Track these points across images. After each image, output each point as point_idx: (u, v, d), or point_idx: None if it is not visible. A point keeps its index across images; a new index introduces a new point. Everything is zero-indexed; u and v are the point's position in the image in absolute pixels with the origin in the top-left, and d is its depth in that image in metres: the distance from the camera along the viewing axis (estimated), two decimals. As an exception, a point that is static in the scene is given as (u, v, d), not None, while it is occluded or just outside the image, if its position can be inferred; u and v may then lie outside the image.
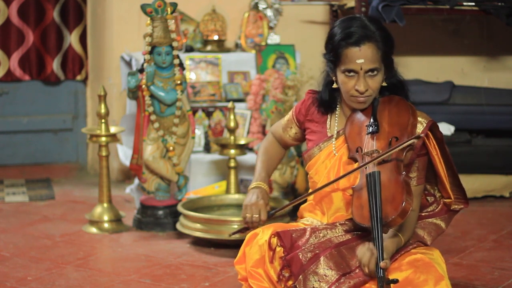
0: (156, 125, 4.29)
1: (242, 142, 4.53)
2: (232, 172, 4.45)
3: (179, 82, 4.25)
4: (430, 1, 4.83)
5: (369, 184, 2.68)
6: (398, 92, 2.93)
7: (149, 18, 4.18)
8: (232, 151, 4.45)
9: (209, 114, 4.96)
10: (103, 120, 4.33)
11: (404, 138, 2.77)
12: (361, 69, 2.80)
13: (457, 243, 4.05)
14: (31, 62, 5.72)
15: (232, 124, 4.48)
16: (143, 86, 4.23)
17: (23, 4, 5.63)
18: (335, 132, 2.95)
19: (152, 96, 4.25)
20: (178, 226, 4.12)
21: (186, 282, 3.51)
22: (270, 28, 5.34)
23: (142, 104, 4.30)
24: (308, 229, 2.82)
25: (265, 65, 5.12)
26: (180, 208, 4.11)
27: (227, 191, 4.45)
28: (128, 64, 5.08)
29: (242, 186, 4.75)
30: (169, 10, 4.19)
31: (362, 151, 2.82)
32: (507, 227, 4.33)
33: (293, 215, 3.55)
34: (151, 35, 4.18)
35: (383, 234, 2.63)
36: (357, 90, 2.82)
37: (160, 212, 4.34)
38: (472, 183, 4.87)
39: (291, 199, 4.60)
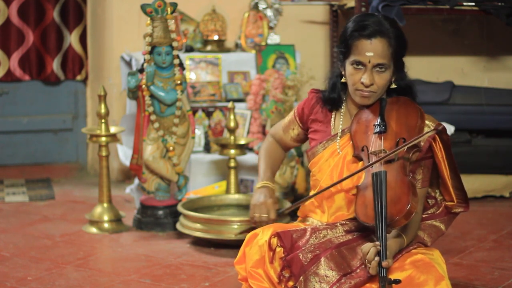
0: (156, 125, 4.29)
1: (242, 142, 4.53)
2: (232, 172, 4.45)
3: (179, 82, 4.25)
4: (430, 1, 4.83)
5: (375, 183, 2.67)
6: (406, 95, 2.93)
7: (149, 18, 4.18)
8: (232, 151, 4.45)
9: (209, 114, 4.96)
10: (103, 120, 4.33)
11: (411, 139, 2.77)
12: (369, 62, 2.80)
13: (457, 243, 4.05)
14: (31, 62, 5.72)
15: (232, 124, 4.48)
16: (143, 86, 4.23)
17: (23, 4, 5.63)
18: (340, 130, 2.95)
19: (152, 96, 4.25)
20: (178, 226, 4.12)
21: (186, 282, 3.51)
22: (270, 28, 5.34)
23: (142, 104, 4.30)
24: (309, 229, 2.82)
25: (265, 65, 5.12)
26: (180, 208, 4.11)
27: (227, 191, 4.45)
28: (128, 64, 5.08)
29: (242, 186, 4.75)
30: (169, 10, 4.19)
31: (368, 150, 2.81)
32: (507, 227, 4.33)
33: (293, 215, 3.55)
34: (151, 35, 4.18)
35: (387, 234, 2.63)
36: (362, 83, 2.82)
37: (160, 212, 4.34)
38: (472, 183, 4.87)
39: (291, 199, 4.60)
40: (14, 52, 5.68)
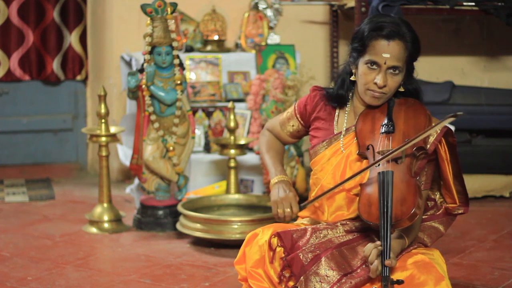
0: (156, 125, 4.29)
1: (242, 142, 4.53)
2: (232, 172, 4.45)
3: (179, 82, 4.25)
4: (430, 1, 4.83)
5: (381, 183, 2.66)
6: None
7: (149, 18, 4.18)
8: (232, 151, 4.45)
9: (209, 114, 4.96)
10: (103, 120, 4.33)
11: (419, 141, 2.76)
12: (385, 63, 2.79)
13: (457, 243, 4.05)
14: (31, 62, 5.72)
15: (232, 124, 4.47)
16: (143, 86, 4.23)
17: (23, 4, 5.63)
18: (344, 128, 2.94)
19: (152, 96, 4.25)
20: (178, 226, 4.12)
21: (186, 282, 3.51)
22: (270, 28, 5.34)
23: (142, 104, 4.30)
24: (309, 229, 2.81)
25: (265, 65, 5.12)
26: (180, 208, 4.11)
27: (227, 191, 4.45)
28: (128, 64, 5.08)
29: (242, 186, 4.75)
30: (169, 10, 4.19)
31: (374, 149, 2.80)
32: (507, 227, 4.33)
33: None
34: (151, 35, 4.18)
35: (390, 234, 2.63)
36: (375, 83, 2.81)
37: (160, 212, 4.33)
38: (472, 183, 4.87)
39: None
40: (14, 52, 5.68)
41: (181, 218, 4.12)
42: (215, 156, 4.78)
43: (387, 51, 2.79)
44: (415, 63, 2.96)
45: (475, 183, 4.91)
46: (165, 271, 3.65)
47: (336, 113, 2.98)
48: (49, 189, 5.23)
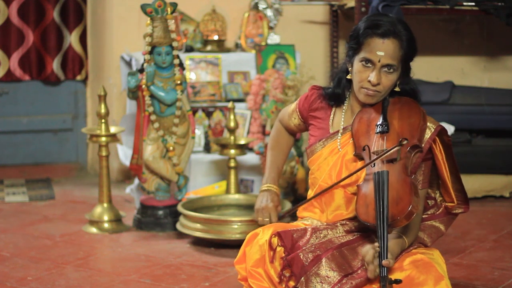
0: (156, 125, 4.29)
1: (242, 142, 4.53)
2: (232, 172, 4.45)
3: (179, 82, 4.24)
4: (430, 1, 4.83)
5: (377, 183, 2.67)
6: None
7: (149, 18, 4.18)
8: (232, 151, 4.45)
9: (209, 114, 4.96)
10: (103, 120, 4.33)
11: (413, 140, 2.77)
12: (379, 61, 2.80)
13: (457, 243, 4.05)
14: (31, 62, 5.71)
15: (232, 124, 4.47)
16: (143, 86, 4.23)
17: (23, 4, 5.63)
18: (341, 128, 2.94)
19: (152, 96, 4.25)
20: (178, 226, 4.12)
21: (186, 282, 3.51)
22: (270, 28, 5.34)
23: (142, 104, 4.30)
24: (309, 229, 2.82)
25: (265, 65, 5.12)
26: (180, 208, 4.11)
27: (227, 191, 4.44)
28: (128, 64, 5.08)
29: (242, 186, 4.75)
30: (169, 10, 4.19)
31: (369, 149, 2.80)
32: (507, 227, 4.33)
33: (293, 215, 3.55)
34: (151, 35, 4.18)
35: (388, 235, 2.63)
36: (369, 81, 2.81)
37: (160, 212, 4.33)
38: (472, 183, 4.87)
39: (291, 199, 4.60)
40: (14, 52, 5.68)
41: (181, 218, 4.11)
42: (215, 156, 4.78)
43: (382, 49, 2.80)
44: (415, 63, 2.96)
45: (475, 183, 4.91)
46: (165, 271, 3.65)
47: (332, 112, 2.99)
48: (49, 189, 5.23)
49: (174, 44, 4.21)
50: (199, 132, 4.89)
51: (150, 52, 4.21)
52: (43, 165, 5.84)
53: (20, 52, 5.68)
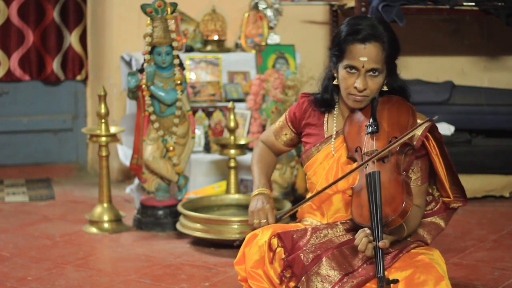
0: (156, 125, 4.29)
1: (242, 142, 4.53)
2: (232, 172, 4.45)
3: (179, 82, 4.25)
4: (430, 1, 4.83)
5: (369, 184, 2.68)
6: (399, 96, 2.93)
7: (149, 18, 4.18)
8: (232, 151, 4.45)
9: (209, 114, 4.96)
10: (103, 120, 4.33)
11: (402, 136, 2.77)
12: (363, 67, 2.80)
13: (457, 243, 4.05)
14: (31, 62, 5.71)
15: (232, 124, 4.47)
16: (143, 86, 4.23)
17: (23, 4, 5.63)
18: (334, 132, 2.95)
19: (152, 96, 4.25)
20: (178, 226, 4.12)
21: (186, 282, 3.51)
22: (270, 28, 5.34)
23: (142, 104, 4.30)
24: (309, 229, 2.82)
25: (265, 65, 5.12)
26: (180, 208, 4.11)
27: (227, 191, 4.44)
28: (128, 64, 5.08)
29: (242, 186, 4.75)
30: (169, 10, 4.19)
31: (361, 151, 2.82)
32: (507, 227, 4.33)
33: (293, 216, 3.55)
34: (151, 35, 4.18)
35: (383, 234, 2.63)
36: (355, 88, 2.82)
37: (160, 212, 4.33)
38: (472, 183, 4.87)
39: (291, 199, 4.60)
40: (14, 52, 5.68)
41: (181, 218, 4.12)
42: (215, 156, 4.78)
43: (364, 54, 2.80)
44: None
45: (475, 183, 4.90)
46: (165, 271, 3.65)
47: (325, 117, 3.00)
48: (49, 189, 5.23)
49: (174, 44, 4.21)
50: (199, 132, 4.89)
51: (150, 52, 4.21)
52: (43, 165, 5.84)
53: (20, 52, 5.68)
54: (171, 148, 4.31)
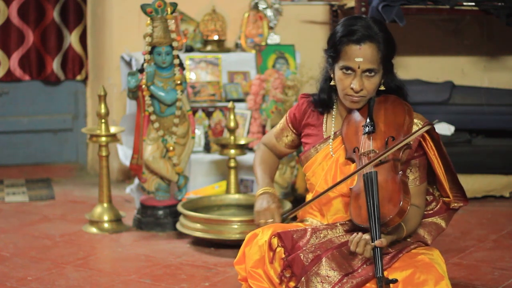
0: (156, 125, 4.29)
1: (242, 142, 4.53)
2: (232, 172, 4.45)
3: (179, 82, 4.25)
4: (430, 1, 4.83)
5: (366, 184, 2.68)
6: (396, 95, 2.93)
7: (149, 18, 4.18)
8: (232, 151, 4.45)
9: (209, 114, 4.96)
10: (103, 120, 4.33)
11: (400, 137, 2.77)
12: (358, 67, 2.80)
13: (457, 243, 4.05)
14: (31, 62, 5.72)
15: (232, 124, 4.47)
16: (143, 86, 4.23)
17: (23, 4, 5.63)
18: (332, 133, 2.95)
19: (152, 96, 4.25)
20: (178, 226, 4.12)
21: (186, 282, 3.51)
22: (270, 28, 5.34)
23: (142, 104, 4.30)
24: (309, 229, 2.82)
25: (265, 65, 5.12)
26: (180, 208, 4.11)
27: (227, 191, 4.44)
28: (128, 64, 5.08)
29: (242, 186, 4.75)
30: (169, 10, 4.19)
31: (359, 151, 2.82)
32: (507, 227, 4.33)
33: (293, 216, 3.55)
34: (151, 35, 4.18)
35: (381, 234, 2.63)
36: (352, 89, 2.82)
37: (160, 212, 4.33)
38: (472, 183, 4.87)
39: (291, 199, 4.60)
40: (14, 52, 5.68)
41: (181, 218, 4.12)
42: (215, 156, 4.78)
43: (359, 55, 2.80)
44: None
45: (475, 183, 4.90)
46: (165, 271, 3.65)
47: (324, 118, 3.00)
48: (49, 189, 5.23)
49: (174, 44, 4.21)
50: (199, 132, 4.89)
51: (150, 52, 4.21)
52: (43, 165, 5.85)
53: (20, 52, 5.69)
54: (171, 148, 4.31)
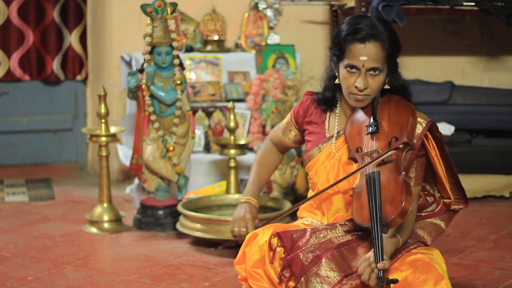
0: (156, 125, 4.29)
1: (242, 142, 4.53)
2: (232, 172, 4.45)
3: (179, 82, 4.25)
4: (430, 1, 4.83)
5: (369, 184, 2.67)
6: (400, 95, 2.93)
7: (149, 18, 4.18)
8: (232, 151, 4.45)
9: (209, 114, 4.96)
10: (103, 120, 4.33)
11: (403, 138, 2.77)
12: (363, 66, 2.80)
13: (457, 243, 4.05)
14: (31, 62, 5.72)
15: (232, 124, 4.47)
16: (143, 86, 4.23)
17: (23, 4, 5.63)
18: (335, 132, 2.95)
19: (152, 96, 4.25)
20: (178, 226, 4.12)
21: (186, 282, 3.51)
22: (270, 28, 5.34)
23: (142, 104, 4.30)
24: (309, 229, 2.82)
25: (265, 65, 5.12)
26: (180, 208, 4.11)
27: (227, 191, 4.44)
28: (128, 64, 5.08)
29: (242, 186, 4.75)
30: (169, 10, 4.19)
31: (362, 151, 2.81)
32: (507, 227, 4.33)
33: (293, 215, 3.55)
34: (151, 35, 4.18)
35: (383, 234, 2.63)
36: (356, 87, 2.82)
37: (160, 212, 4.33)
38: (472, 183, 4.87)
39: (291, 199, 4.60)
40: (14, 52, 5.68)
41: (181, 218, 4.12)
42: (215, 156, 4.78)
43: (364, 53, 2.80)
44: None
45: (475, 183, 4.90)
46: (165, 271, 3.65)
47: (327, 116, 3.00)
48: (49, 189, 5.23)
49: (174, 44, 4.21)
50: (199, 132, 4.89)
51: (150, 52, 4.21)
52: (43, 165, 5.85)
53: (20, 52, 5.69)
54: (171, 148, 4.31)
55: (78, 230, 4.34)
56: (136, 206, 4.57)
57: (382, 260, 2.57)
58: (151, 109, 4.26)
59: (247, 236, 2.87)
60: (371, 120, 2.85)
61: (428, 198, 2.98)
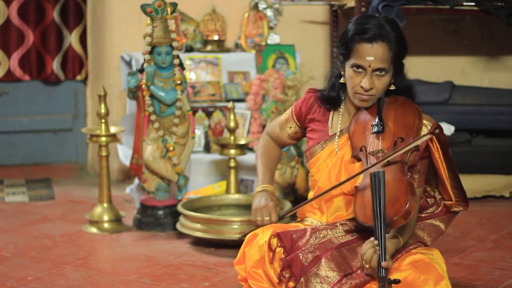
0: (156, 125, 4.29)
1: (242, 142, 4.53)
2: (232, 172, 4.45)
3: (179, 82, 4.25)
4: (430, 1, 4.83)
5: (374, 184, 2.67)
6: (405, 96, 2.92)
7: (149, 18, 4.18)
8: (232, 151, 4.45)
9: (209, 114, 4.96)
10: (103, 120, 4.33)
11: (409, 139, 2.77)
12: (369, 66, 2.80)
13: (457, 243, 4.05)
14: (31, 62, 5.72)
15: (232, 124, 4.48)
16: (143, 86, 4.23)
17: (23, 4, 5.63)
18: (338, 130, 2.95)
19: (152, 96, 4.25)
20: (178, 226, 4.12)
21: (186, 282, 3.51)
22: (270, 28, 5.34)
23: (142, 104, 4.30)
24: (308, 229, 2.82)
25: (265, 65, 5.12)
26: (180, 208, 4.11)
27: (227, 191, 4.45)
28: (128, 64, 5.08)
29: (242, 186, 4.75)
30: (169, 10, 4.19)
31: (366, 150, 2.81)
32: (507, 227, 4.33)
33: (293, 215, 3.55)
34: (151, 35, 4.18)
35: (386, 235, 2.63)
36: (362, 87, 2.82)
37: (160, 212, 4.34)
38: (472, 183, 4.87)
39: (291, 199, 4.60)
40: (14, 52, 5.68)
41: (181, 218, 4.12)
42: (215, 156, 4.78)
43: (371, 54, 2.80)
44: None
45: (475, 183, 4.90)
46: (165, 271, 3.65)
47: (331, 115, 2.99)
48: (49, 189, 5.23)
49: (174, 44, 4.21)
50: (199, 132, 4.89)
51: (150, 52, 4.21)
52: (43, 165, 5.85)
53: (20, 52, 5.69)
54: (171, 148, 4.31)
55: (78, 230, 4.34)
56: (136, 206, 4.57)
57: (385, 259, 2.57)
58: (151, 109, 4.26)
59: (247, 236, 2.87)
60: (377, 120, 2.84)
61: (429, 200, 2.97)
